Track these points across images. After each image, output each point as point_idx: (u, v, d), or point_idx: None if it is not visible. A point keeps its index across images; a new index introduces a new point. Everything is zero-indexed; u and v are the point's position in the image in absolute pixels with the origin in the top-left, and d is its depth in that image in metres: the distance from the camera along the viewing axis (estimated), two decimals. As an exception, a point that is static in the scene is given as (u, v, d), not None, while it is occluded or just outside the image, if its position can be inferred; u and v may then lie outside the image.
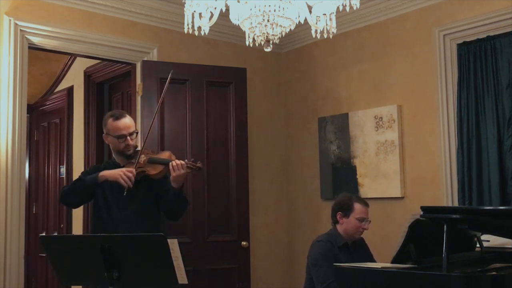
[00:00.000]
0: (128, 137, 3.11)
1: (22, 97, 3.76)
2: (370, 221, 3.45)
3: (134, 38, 4.30)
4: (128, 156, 3.14)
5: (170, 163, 3.01)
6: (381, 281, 2.48)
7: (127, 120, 3.15)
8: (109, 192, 3.11)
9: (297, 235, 5.03)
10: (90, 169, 3.29)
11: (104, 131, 3.20)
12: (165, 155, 3.16)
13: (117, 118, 3.14)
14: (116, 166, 3.16)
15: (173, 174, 2.99)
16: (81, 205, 3.63)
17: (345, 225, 3.40)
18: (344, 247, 3.38)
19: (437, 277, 2.31)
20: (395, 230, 3.80)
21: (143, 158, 3.09)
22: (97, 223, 3.19)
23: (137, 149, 3.20)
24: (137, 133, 3.22)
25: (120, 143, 3.12)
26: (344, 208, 3.41)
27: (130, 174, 2.97)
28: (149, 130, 3.31)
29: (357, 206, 3.40)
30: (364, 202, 3.48)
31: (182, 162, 3.00)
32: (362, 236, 3.49)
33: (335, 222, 3.46)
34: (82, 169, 5.10)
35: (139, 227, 2.97)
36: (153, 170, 3.07)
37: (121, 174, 2.96)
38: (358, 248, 3.48)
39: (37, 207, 5.91)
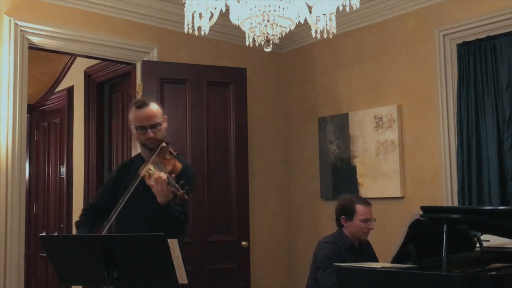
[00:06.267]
0: (149, 129, 2.77)
1: (22, 97, 3.76)
2: (375, 220, 3.45)
3: (134, 38, 4.30)
4: (150, 150, 2.79)
5: (153, 173, 2.64)
6: (381, 281, 2.48)
7: (150, 110, 2.80)
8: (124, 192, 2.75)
9: (297, 235, 5.03)
10: (110, 177, 3.13)
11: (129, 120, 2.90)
12: (169, 163, 2.74)
13: (139, 106, 2.81)
14: (142, 160, 2.85)
15: (153, 187, 2.62)
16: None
17: (351, 228, 3.41)
18: (350, 249, 3.39)
19: (437, 277, 2.31)
20: (395, 230, 3.79)
21: (155, 159, 2.73)
22: (118, 229, 2.89)
23: (162, 144, 2.80)
24: (160, 124, 2.82)
25: (139, 134, 2.80)
26: (346, 212, 3.42)
27: None
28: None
29: (359, 208, 3.40)
30: (366, 202, 3.48)
31: (164, 177, 2.60)
32: (370, 237, 3.50)
33: (340, 225, 3.46)
34: (82, 169, 5.12)
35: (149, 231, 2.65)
36: (150, 180, 2.68)
37: None
38: (364, 250, 3.49)
39: (37, 207, 5.91)
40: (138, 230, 2.70)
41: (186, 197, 2.59)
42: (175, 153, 2.81)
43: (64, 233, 5.26)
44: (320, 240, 3.48)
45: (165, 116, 2.91)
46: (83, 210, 3.04)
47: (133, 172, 2.83)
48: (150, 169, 2.70)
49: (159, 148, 2.77)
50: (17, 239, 3.67)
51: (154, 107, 2.84)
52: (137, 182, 2.71)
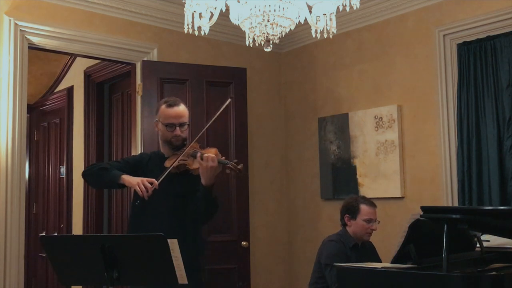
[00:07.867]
0: (178, 127, 2.97)
1: (22, 97, 3.76)
2: (379, 222, 3.47)
3: (134, 38, 4.30)
4: (175, 148, 2.98)
5: (200, 152, 2.82)
6: (381, 281, 2.48)
7: (180, 109, 3.00)
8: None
9: (297, 235, 5.03)
10: (133, 158, 3.18)
11: (156, 117, 3.05)
12: (210, 151, 2.91)
13: (170, 105, 2.99)
14: (161, 157, 3.02)
15: (202, 165, 2.79)
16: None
17: (353, 227, 3.43)
18: (354, 248, 3.42)
19: (437, 277, 2.31)
20: (395, 230, 3.80)
21: (188, 151, 2.92)
22: (132, 221, 3.04)
23: (185, 142, 3.01)
24: (188, 125, 3.05)
25: (168, 132, 2.97)
26: (350, 211, 3.45)
27: (149, 186, 2.74)
28: (205, 129, 3.25)
29: (363, 208, 3.43)
30: (371, 203, 3.50)
31: (213, 155, 2.80)
32: (371, 238, 3.51)
33: (344, 224, 3.48)
34: (82, 169, 5.10)
35: (173, 225, 2.85)
36: (194, 164, 2.89)
37: (139, 182, 2.75)
38: (368, 250, 3.51)
39: (37, 207, 5.92)
40: (163, 223, 2.85)
41: (240, 167, 2.82)
42: None
43: (64, 233, 5.26)
44: (325, 239, 3.51)
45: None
46: (107, 163, 3.08)
47: (152, 167, 2.99)
48: (182, 159, 2.89)
49: (191, 143, 2.98)
50: (17, 239, 3.67)
51: (183, 108, 3.05)
52: (164, 175, 2.83)
